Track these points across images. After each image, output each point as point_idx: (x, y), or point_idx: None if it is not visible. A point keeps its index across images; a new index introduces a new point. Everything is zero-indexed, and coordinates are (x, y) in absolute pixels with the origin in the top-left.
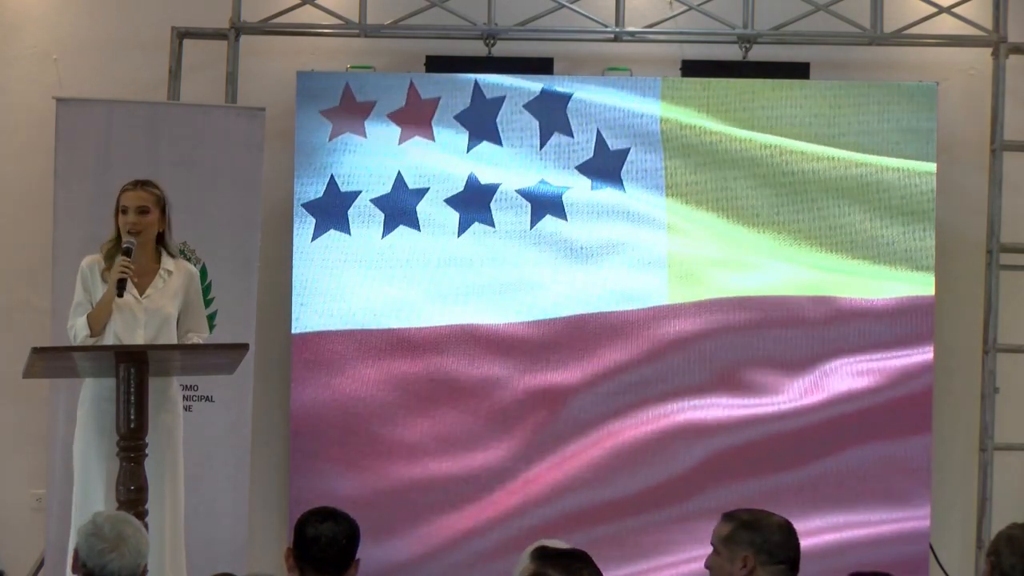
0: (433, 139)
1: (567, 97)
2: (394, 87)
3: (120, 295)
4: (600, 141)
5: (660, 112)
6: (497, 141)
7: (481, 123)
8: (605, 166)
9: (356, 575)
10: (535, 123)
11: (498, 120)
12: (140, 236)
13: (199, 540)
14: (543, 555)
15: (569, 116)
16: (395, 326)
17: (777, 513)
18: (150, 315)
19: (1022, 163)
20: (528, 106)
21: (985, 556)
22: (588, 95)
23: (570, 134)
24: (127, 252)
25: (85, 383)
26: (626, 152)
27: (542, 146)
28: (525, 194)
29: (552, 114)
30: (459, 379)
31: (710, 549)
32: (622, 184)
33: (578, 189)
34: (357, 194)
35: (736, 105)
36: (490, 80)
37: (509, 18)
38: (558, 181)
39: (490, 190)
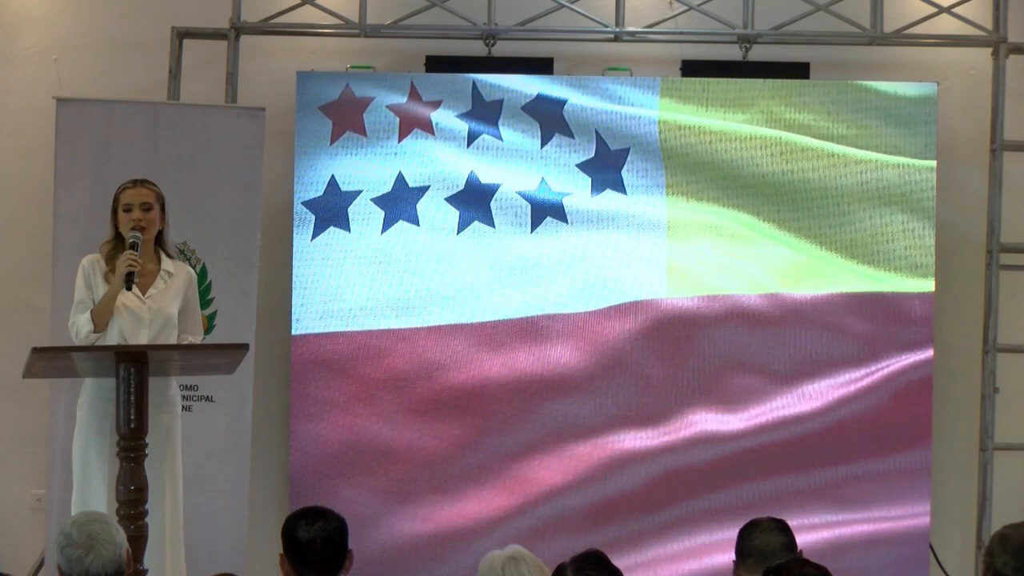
0: (433, 134)
1: (563, 102)
2: (394, 87)
3: (129, 288)
4: (600, 142)
5: (659, 114)
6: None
7: (482, 122)
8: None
9: (351, 566)
10: (535, 124)
11: (499, 122)
12: (144, 233)
13: (199, 540)
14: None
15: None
16: (395, 326)
17: (775, 525)
18: (154, 315)
19: (1022, 163)
20: (526, 108)
21: (982, 558)
22: (585, 101)
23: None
24: (133, 246)
25: (84, 384)
26: (626, 152)
27: (543, 146)
28: (525, 196)
29: (550, 117)
30: (459, 379)
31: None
32: (623, 184)
33: (578, 195)
34: (358, 193)
35: (736, 105)
36: (488, 80)
37: (509, 18)
38: (559, 183)
39: (491, 189)
